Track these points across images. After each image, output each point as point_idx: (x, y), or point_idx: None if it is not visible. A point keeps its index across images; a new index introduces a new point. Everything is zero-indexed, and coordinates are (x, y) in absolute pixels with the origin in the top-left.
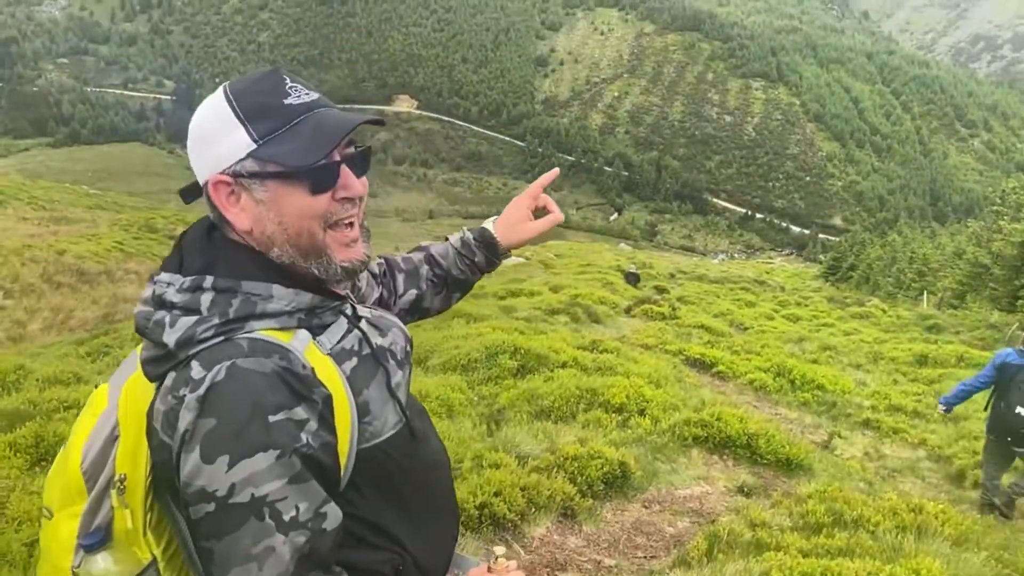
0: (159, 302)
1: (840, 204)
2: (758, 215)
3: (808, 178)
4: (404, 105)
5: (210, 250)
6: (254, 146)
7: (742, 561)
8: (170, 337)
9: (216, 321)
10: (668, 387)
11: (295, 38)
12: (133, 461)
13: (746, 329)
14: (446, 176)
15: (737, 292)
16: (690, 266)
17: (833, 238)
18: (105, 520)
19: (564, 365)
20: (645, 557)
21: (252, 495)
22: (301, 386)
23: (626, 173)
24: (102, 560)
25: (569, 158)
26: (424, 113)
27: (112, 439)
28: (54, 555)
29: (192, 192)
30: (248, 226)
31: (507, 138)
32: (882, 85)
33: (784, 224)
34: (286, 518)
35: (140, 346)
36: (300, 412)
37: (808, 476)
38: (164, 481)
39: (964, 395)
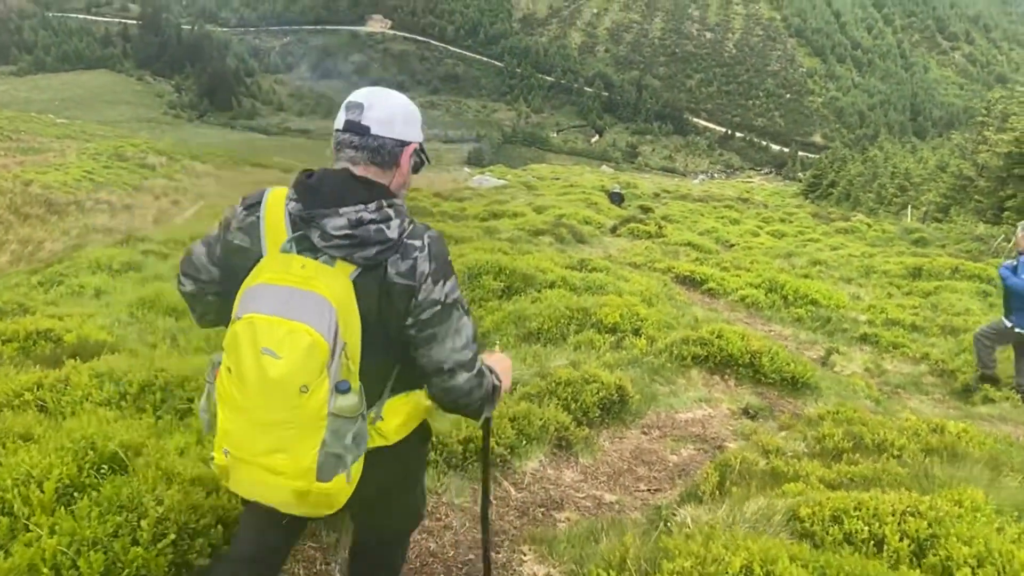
0: (358, 222)
1: (820, 121)
2: (738, 134)
3: (788, 95)
4: (377, 25)
5: (366, 188)
6: (421, 139)
7: (761, 496)
8: (392, 233)
9: (406, 220)
10: (660, 305)
11: None
12: (348, 330)
13: (732, 246)
14: (423, 99)
15: (721, 210)
16: (672, 186)
17: (813, 156)
18: (339, 374)
19: (552, 285)
20: (649, 490)
21: (454, 298)
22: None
23: (606, 94)
24: (347, 398)
25: (548, 79)
26: (398, 33)
27: (335, 324)
28: (314, 410)
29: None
30: (399, 178)
31: (485, 59)
32: None
33: (764, 143)
34: (466, 307)
35: (270, 278)
36: None
37: (815, 395)
38: (396, 316)
39: None
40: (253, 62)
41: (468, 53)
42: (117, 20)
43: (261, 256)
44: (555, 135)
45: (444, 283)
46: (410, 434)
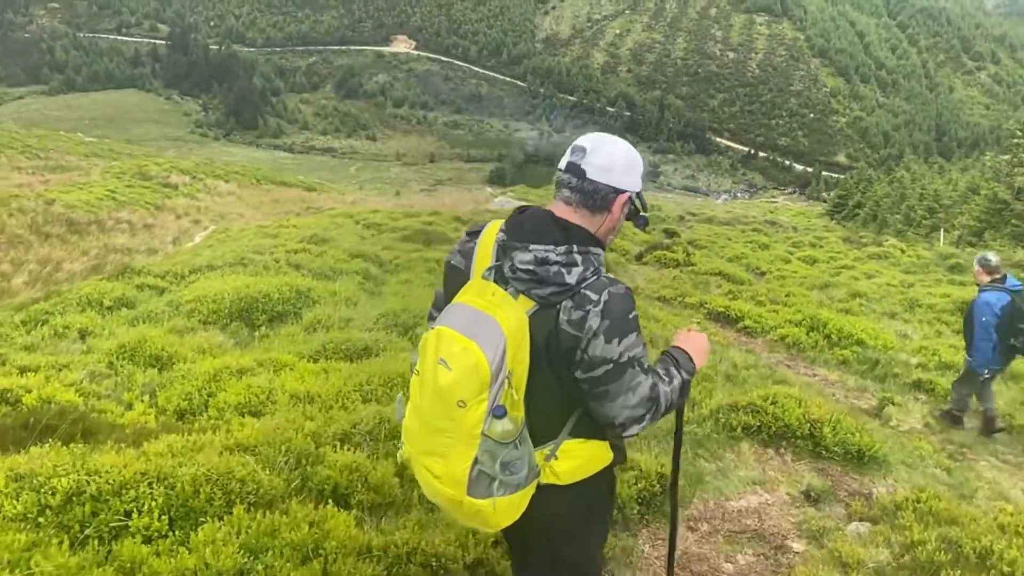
0: (543, 261)
1: (844, 141)
2: (761, 153)
3: (812, 115)
4: (402, 46)
5: (565, 231)
6: (638, 189)
7: None
8: (571, 278)
9: (591, 269)
10: None
11: None
12: (516, 360)
13: (763, 274)
14: (446, 118)
15: (749, 234)
16: (696, 207)
17: (837, 175)
18: (499, 399)
19: None
20: None
21: (629, 357)
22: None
23: (628, 113)
24: (503, 423)
25: (571, 98)
26: (423, 54)
27: (503, 351)
28: (469, 426)
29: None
30: (609, 223)
31: (508, 78)
32: (888, 18)
33: (787, 162)
34: (645, 366)
35: (468, 299)
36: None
37: (882, 469)
38: (562, 361)
39: None
40: (279, 82)
41: (491, 73)
42: (146, 40)
43: (470, 278)
44: None
45: (620, 341)
46: (588, 481)
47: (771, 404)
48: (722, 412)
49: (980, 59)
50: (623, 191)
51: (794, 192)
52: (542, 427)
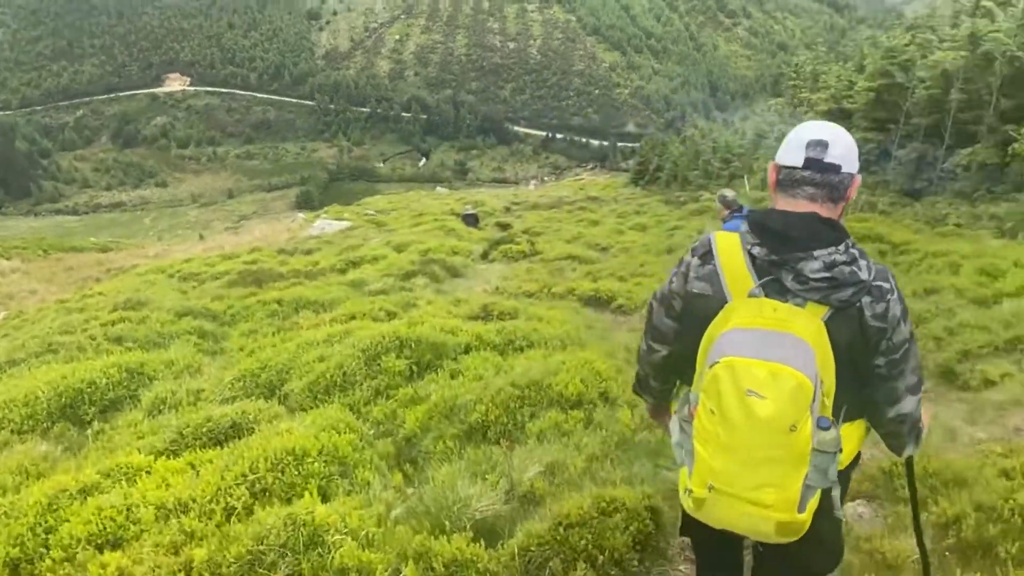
0: (832, 264)
1: (630, 111)
2: (558, 135)
3: (597, 91)
4: (176, 84)
5: (832, 230)
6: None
7: None
8: (864, 274)
9: (870, 260)
10: (596, 345)
11: (36, 31)
12: (825, 369)
13: (605, 249)
14: (238, 151)
15: (576, 213)
16: (513, 197)
17: (632, 144)
18: (818, 410)
19: (468, 349)
20: None
21: (911, 331)
22: None
23: (425, 116)
24: (829, 433)
25: (363, 110)
26: (199, 89)
27: (813, 364)
28: (801, 446)
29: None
30: (842, 209)
31: (295, 100)
32: None
33: (584, 140)
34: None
35: (742, 322)
36: None
37: None
38: (867, 354)
39: None
40: (46, 142)
41: (276, 97)
42: None
43: (724, 302)
44: (381, 165)
45: (907, 321)
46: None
47: None
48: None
49: (735, 16)
50: (855, 175)
51: (595, 167)
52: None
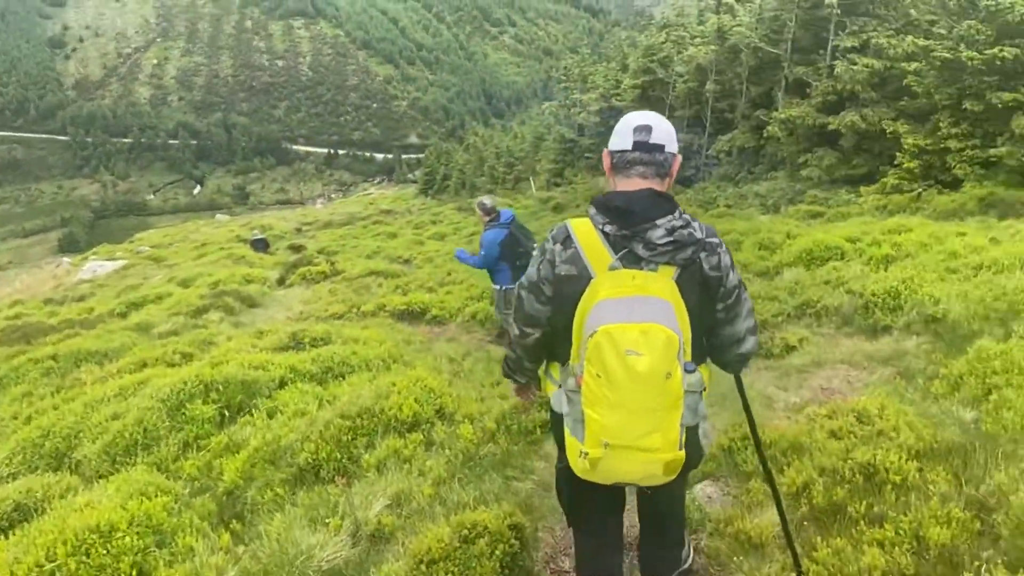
0: (672, 229)
1: (410, 122)
2: (341, 151)
3: (375, 105)
4: None
5: (667, 201)
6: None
7: None
8: (699, 233)
9: (700, 223)
10: (417, 360)
11: None
12: (682, 321)
13: (408, 262)
14: None
15: (371, 227)
16: (301, 217)
17: (416, 156)
18: (683, 357)
19: (282, 383)
20: None
21: (739, 279)
22: None
23: (195, 142)
24: (695, 375)
25: (125, 140)
26: None
27: (675, 318)
28: (676, 391)
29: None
30: (669, 185)
31: (44, 135)
32: (413, 1)
33: (368, 154)
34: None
35: (609, 293)
36: None
37: None
38: (710, 303)
39: None
40: None
41: (24, 134)
42: None
43: (590, 279)
44: (152, 197)
45: (735, 269)
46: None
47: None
48: (506, 417)
49: (500, 24)
50: (677, 155)
51: (383, 180)
52: None
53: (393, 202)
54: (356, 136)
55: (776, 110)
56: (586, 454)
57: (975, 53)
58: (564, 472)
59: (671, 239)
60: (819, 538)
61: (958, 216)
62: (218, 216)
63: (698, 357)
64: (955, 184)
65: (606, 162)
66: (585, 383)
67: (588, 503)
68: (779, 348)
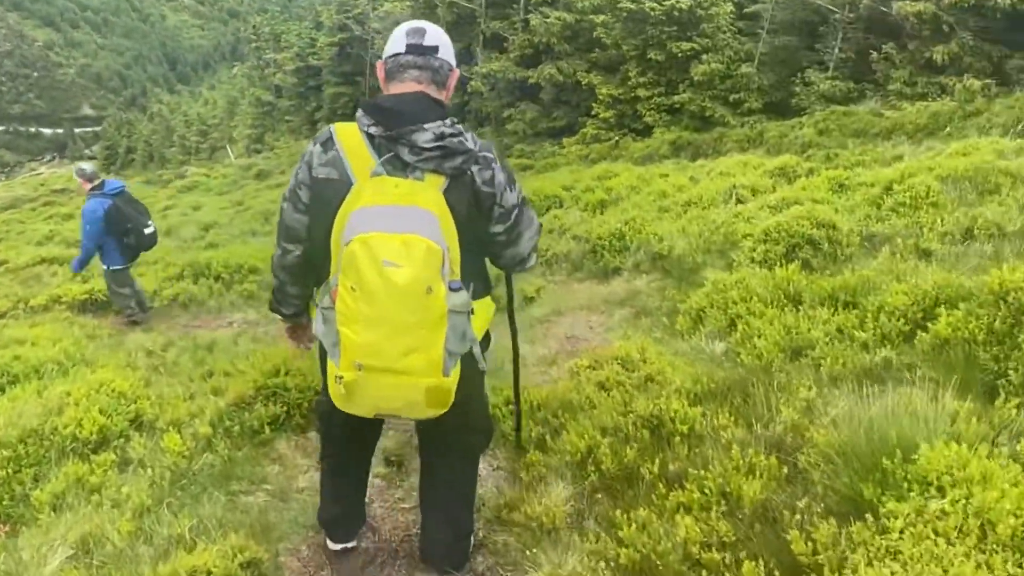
0: (442, 136)
1: (82, 92)
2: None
3: (36, 74)
4: None
5: (440, 106)
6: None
7: None
8: (471, 144)
9: (475, 136)
10: (104, 358)
11: None
12: (448, 235)
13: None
14: None
15: (43, 209)
16: None
17: (92, 129)
18: (448, 274)
19: None
20: None
21: (522, 197)
22: None
23: None
24: (460, 295)
25: None
26: None
27: (439, 231)
28: (438, 308)
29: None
30: (446, 99)
31: None
32: None
33: (32, 129)
34: (529, 200)
35: (370, 200)
36: None
37: None
38: (483, 220)
39: None
40: None
41: None
42: None
43: (350, 185)
44: None
45: (515, 186)
46: (486, 334)
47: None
48: (225, 417)
49: None
50: (455, 67)
51: (54, 158)
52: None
53: (69, 180)
54: (16, 110)
55: (476, 65)
56: (341, 378)
57: (656, 4)
58: (321, 404)
59: (439, 144)
60: (618, 511)
61: (653, 160)
62: None
63: (470, 278)
64: (646, 131)
65: (380, 72)
66: (340, 298)
67: (339, 437)
68: (519, 300)
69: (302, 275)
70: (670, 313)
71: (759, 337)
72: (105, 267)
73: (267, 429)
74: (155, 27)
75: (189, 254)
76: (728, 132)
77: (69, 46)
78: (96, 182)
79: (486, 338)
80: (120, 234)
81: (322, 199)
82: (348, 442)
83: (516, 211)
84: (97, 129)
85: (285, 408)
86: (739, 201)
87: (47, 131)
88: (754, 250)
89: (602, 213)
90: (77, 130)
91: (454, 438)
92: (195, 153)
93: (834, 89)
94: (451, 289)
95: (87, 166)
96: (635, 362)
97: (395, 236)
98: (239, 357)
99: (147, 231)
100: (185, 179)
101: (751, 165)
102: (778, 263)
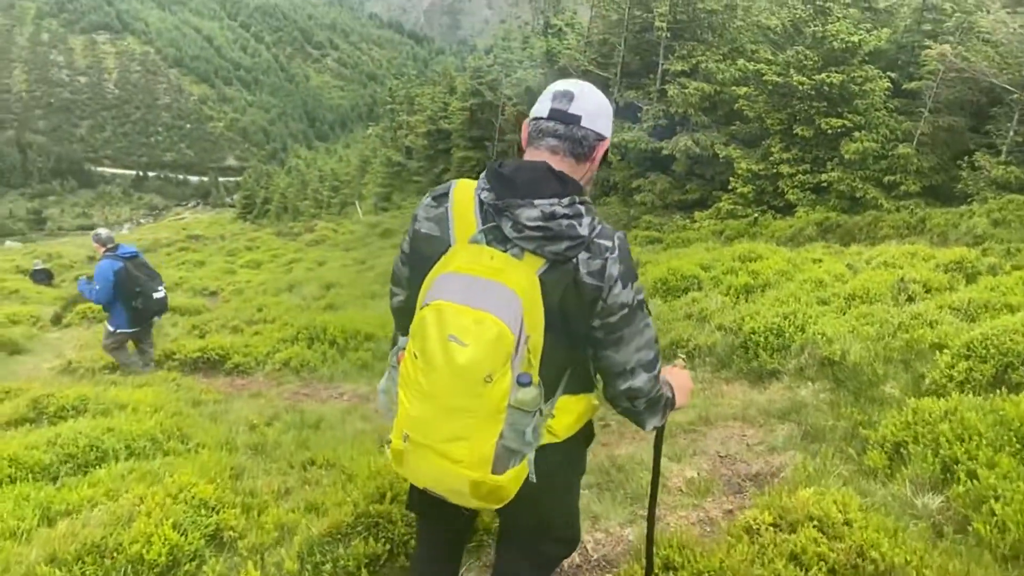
0: (551, 216)
1: (228, 144)
2: (151, 173)
3: (188, 125)
4: None
5: (560, 182)
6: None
7: None
8: (583, 230)
9: (596, 219)
10: (200, 434)
11: None
12: (532, 324)
13: (215, 294)
14: None
15: (175, 255)
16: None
17: (234, 179)
18: (521, 365)
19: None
20: None
21: (639, 300)
22: None
23: None
24: (528, 391)
25: None
26: None
27: (519, 316)
28: (496, 400)
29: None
30: (590, 172)
31: None
32: (229, 20)
33: (181, 176)
34: (649, 309)
35: (459, 267)
36: None
37: None
38: (581, 314)
39: None
40: None
41: None
42: None
43: (449, 245)
44: None
45: (631, 285)
46: (576, 433)
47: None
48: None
49: (322, 47)
50: (605, 137)
51: (198, 204)
52: (546, 387)
53: (208, 227)
54: (168, 157)
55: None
56: (389, 443)
57: (804, 78)
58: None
59: (543, 224)
60: None
61: (797, 241)
62: (8, 243)
63: (569, 385)
64: (788, 209)
65: (523, 133)
66: (404, 362)
67: (416, 503)
68: None
69: (406, 321)
70: (849, 438)
71: (996, 500)
72: (111, 328)
73: (364, 572)
74: (299, 87)
75: (307, 314)
76: (883, 216)
77: (221, 101)
78: (110, 245)
79: (588, 435)
80: (128, 297)
81: (421, 254)
82: (427, 510)
83: (624, 311)
84: (238, 179)
85: (388, 546)
86: (910, 299)
87: (194, 179)
88: (952, 367)
89: (747, 300)
90: (221, 179)
91: (526, 540)
92: (326, 207)
93: (1008, 175)
94: (519, 383)
95: (103, 231)
96: (836, 524)
97: (469, 311)
98: (345, 442)
99: (156, 296)
100: (314, 232)
101: (919, 256)
102: (987, 387)
